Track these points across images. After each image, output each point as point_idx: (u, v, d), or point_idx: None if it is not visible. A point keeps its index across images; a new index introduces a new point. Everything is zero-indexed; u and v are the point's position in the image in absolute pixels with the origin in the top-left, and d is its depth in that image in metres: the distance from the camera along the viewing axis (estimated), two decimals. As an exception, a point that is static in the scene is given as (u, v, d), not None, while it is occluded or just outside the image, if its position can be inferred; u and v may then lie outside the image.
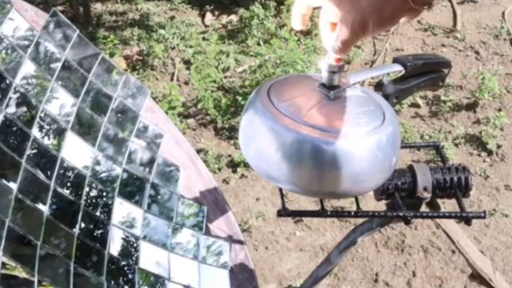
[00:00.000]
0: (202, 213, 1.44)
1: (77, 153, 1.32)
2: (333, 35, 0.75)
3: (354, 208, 1.03)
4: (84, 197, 1.28)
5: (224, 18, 3.78)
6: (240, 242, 1.46)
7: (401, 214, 1.03)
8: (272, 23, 3.52)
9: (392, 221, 1.17)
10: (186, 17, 3.77)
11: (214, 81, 3.19)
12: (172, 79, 3.34)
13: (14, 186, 1.15)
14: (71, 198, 1.25)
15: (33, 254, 1.10)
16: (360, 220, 1.20)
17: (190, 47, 3.43)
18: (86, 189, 1.29)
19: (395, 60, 1.02)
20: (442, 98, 3.20)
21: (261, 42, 3.39)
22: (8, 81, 1.26)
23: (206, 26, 3.73)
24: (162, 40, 3.46)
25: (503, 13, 3.83)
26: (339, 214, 1.12)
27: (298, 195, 2.24)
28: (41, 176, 1.22)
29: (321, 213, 1.00)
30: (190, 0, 3.87)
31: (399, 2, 0.69)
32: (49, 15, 1.39)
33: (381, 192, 1.05)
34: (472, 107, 3.17)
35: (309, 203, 2.55)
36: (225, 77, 3.30)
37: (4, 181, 1.14)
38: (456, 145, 2.96)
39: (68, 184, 1.27)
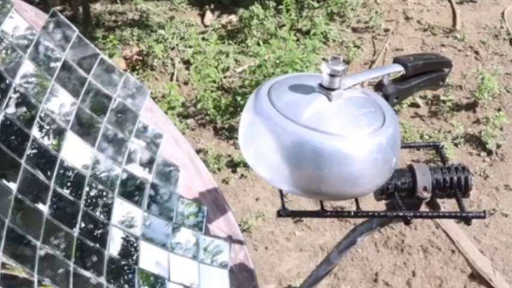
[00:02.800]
0: (202, 213, 1.44)
1: (76, 153, 1.32)
2: None
3: (354, 208, 1.03)
4: (84, 197, 1.27)
5: (224, 19, 3.78)
6: (240, 242, 1.45)
7: (401, 214, 1.02)
8: (271, 23, 3.52)
9: (392, 221, 1.17)
10: (186, 17, 3.77)
11: (214, 81, 3.19)
12: (171, 79, 3.34)
13: (13, 186, 1.15)
14: (70, 198, 1.25)
15: (33, 254, 1.10)
16: (360, 220, 1.20)
17: (190, 47, 3.43)
18: (86, 189, 1.29)
19: (396, 61, 1.02)
20: (442, 97, 3.20)
21: (261, 42, 3.39)
22: (7, 81, 1.26)
23: (206, 26, 3.73)
24: (161, 40, 3.46)
25: (502, 13, 3.83)
26: (339, 214, 1.12)
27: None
28: (41, 176, 1.22)
29: (321, 213, 1.00)
30: (190, 0, 3.87)
31: None
32: (48, 16, 1.39)
33: (381, 192, 1.05)
34: (471, 106, 3.17)
35: (308, 203, 2.55)
36: (224, 77, 3.30)
37: (4, 181, 1.14)
38: (456, 145, 2.97)
39: (68, 184, 1.27)
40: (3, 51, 1.29)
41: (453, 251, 2.46)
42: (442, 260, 2.48)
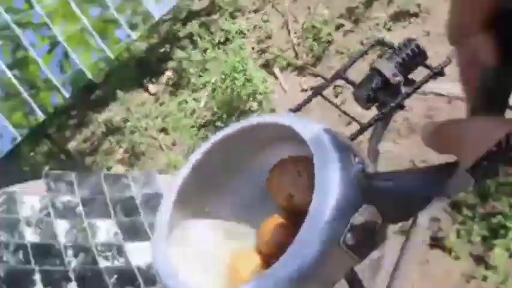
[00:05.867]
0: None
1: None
2: None
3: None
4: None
5: (163, 78, 3.85)
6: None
7: (393, 104, 1.15)
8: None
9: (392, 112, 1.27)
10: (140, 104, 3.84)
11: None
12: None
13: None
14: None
15: None
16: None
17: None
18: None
19: None
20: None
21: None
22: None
23: (154, 94, 3.80)
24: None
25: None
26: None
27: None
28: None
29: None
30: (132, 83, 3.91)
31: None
32: (43, 177, 1.55)
33: (366, 101, 1.16)
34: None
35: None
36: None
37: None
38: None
39: None
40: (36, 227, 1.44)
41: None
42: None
